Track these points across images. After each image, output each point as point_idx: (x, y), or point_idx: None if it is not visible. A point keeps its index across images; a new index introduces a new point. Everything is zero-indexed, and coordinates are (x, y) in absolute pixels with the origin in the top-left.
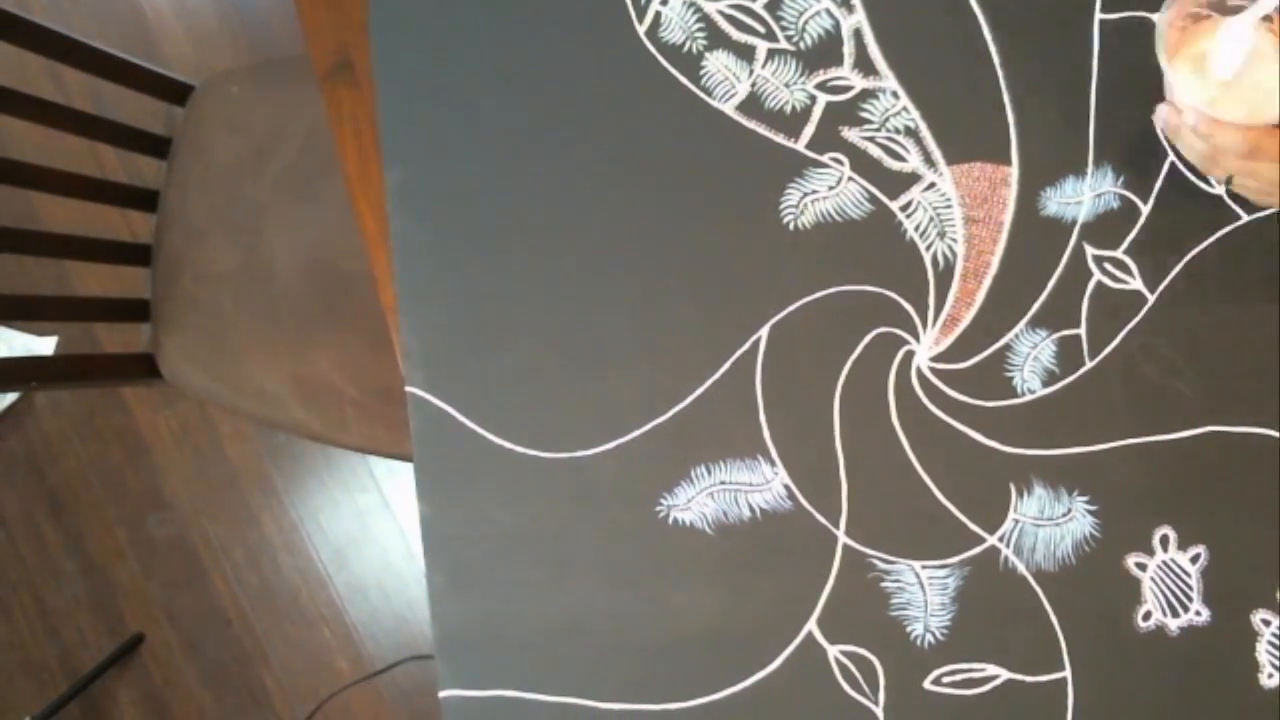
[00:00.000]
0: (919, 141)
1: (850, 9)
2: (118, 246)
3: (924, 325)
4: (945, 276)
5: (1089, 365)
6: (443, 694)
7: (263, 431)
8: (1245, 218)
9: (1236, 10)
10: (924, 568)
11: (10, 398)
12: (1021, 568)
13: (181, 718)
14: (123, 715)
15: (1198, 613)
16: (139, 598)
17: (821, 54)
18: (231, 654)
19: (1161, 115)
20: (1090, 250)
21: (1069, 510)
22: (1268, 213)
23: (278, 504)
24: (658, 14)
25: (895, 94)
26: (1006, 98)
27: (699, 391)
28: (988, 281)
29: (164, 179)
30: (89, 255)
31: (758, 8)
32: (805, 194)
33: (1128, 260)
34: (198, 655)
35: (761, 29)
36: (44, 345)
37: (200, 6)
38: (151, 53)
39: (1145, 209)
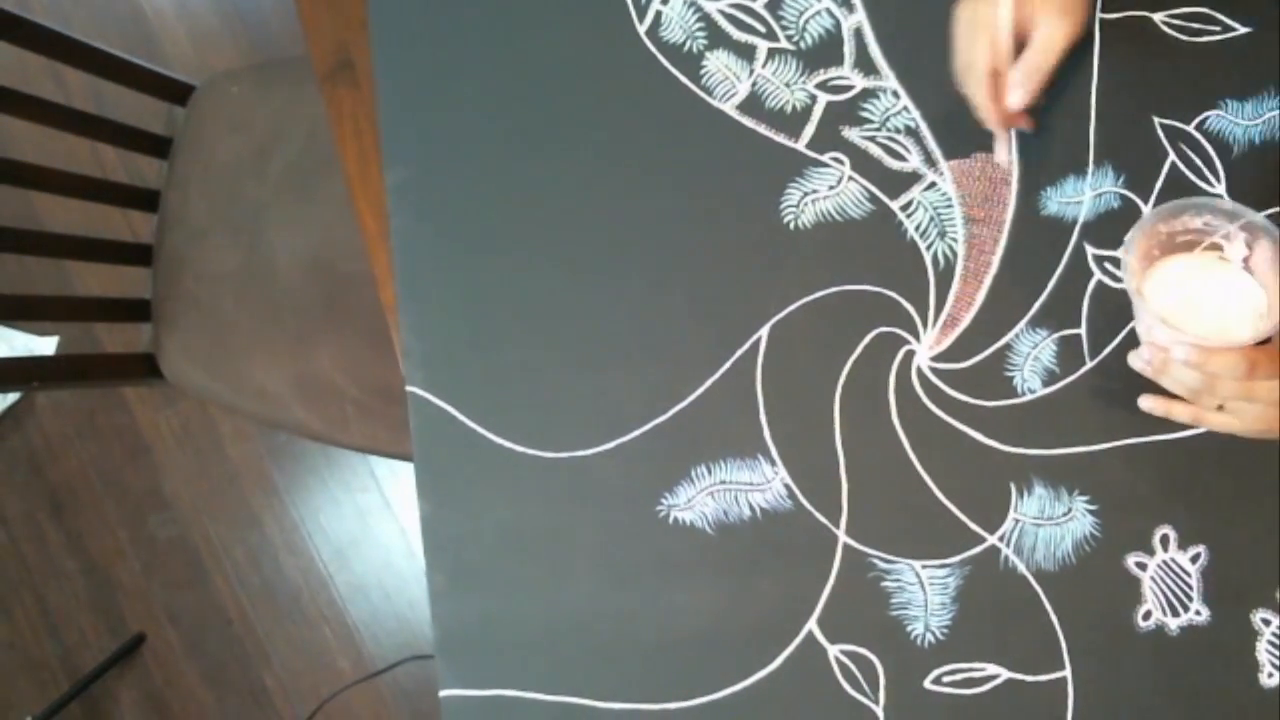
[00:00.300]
0: (919, 141)
1: (851, 8)
2: (119, 246)
3: (924, 325)
4: (946, 276)
5: (1089, 365)
6: (443, 693)
7: (263, 431)
8: (1245, 218)
9: (1186, 246)
10: (924, 567)
11: (11, 397)
12: (1022, 567)
13: (183, 717)
14: (124, 715)
15: (1198, 612)
16: (140, 597)
17: (822, 53)
18: (232, 654)
19: (1143, 356)
20: (1091, 250)
21: (1069, 510)
22: (1268, 211)
23: (279, 504)
24: (658, 13)
25: (896, 93)
26: None
27: (699, 391)
28: (988, 281)
29: (165, 179)
30: (90, 255)
31: (758, 7)
32: (806, 193)
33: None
34: (199, 655)
35: (762, 28)
36: (45, 345)
37: (201, 7)
38: (152, 53)
39: (1146, 208)
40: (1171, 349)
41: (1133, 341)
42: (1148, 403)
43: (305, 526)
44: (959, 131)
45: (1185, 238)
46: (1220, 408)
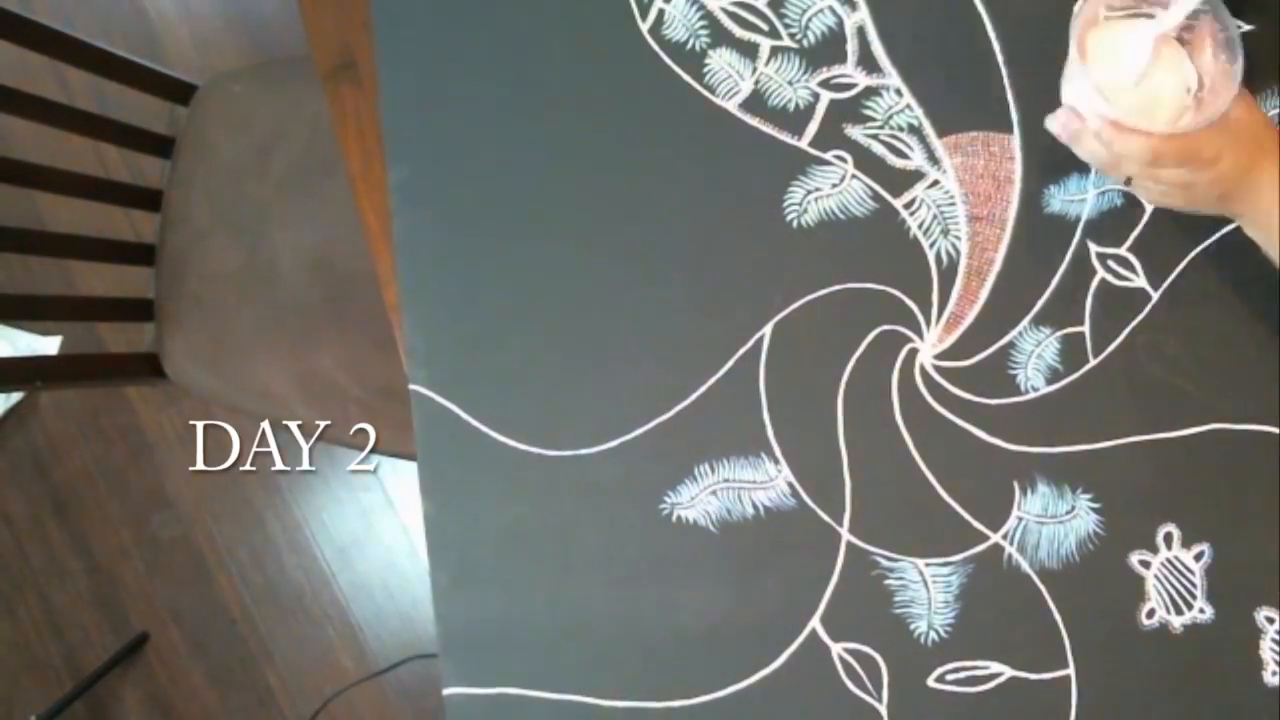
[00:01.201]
0: (922, 139)
1: (853, 6)
2: (121, 246)
3: (927, 323)
4: (949, 274)
5: (1093, 363)
6: (446, 691)
7: None
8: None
9: (1146, 16)
10: (927, 565)
11: (15, 397)
12: (1025, 565)
13: (186, 717)
14: (128, 714)
15: (1201, 610)
16: (143, 597)
17: (825, 51)
18: (236, 653)
19: (1061, 119)
20: (1094, 248)
21: (1073, 508)
22: None
23: (281, 503)
24: (661, 11)
25: (899, 91)
26: (1010, 95)
27: (702, 389)
28: (991, 279)
29: (167, 178)
30: (93, 255)
31: (761, 5)
32: (808, 191)
33: (1131, 258)
34: (202, 654)
35: (765, 26)
36: (48, 345)
37: (203, 6)
38: (155, 52)
39: (1149, 206)
40: (1087, 119)
41: (1135, 340)
42: (1054, 125)
43: (308, 526)
44: (963, 129)
45: (1141, 10)
46: (1126, 184)
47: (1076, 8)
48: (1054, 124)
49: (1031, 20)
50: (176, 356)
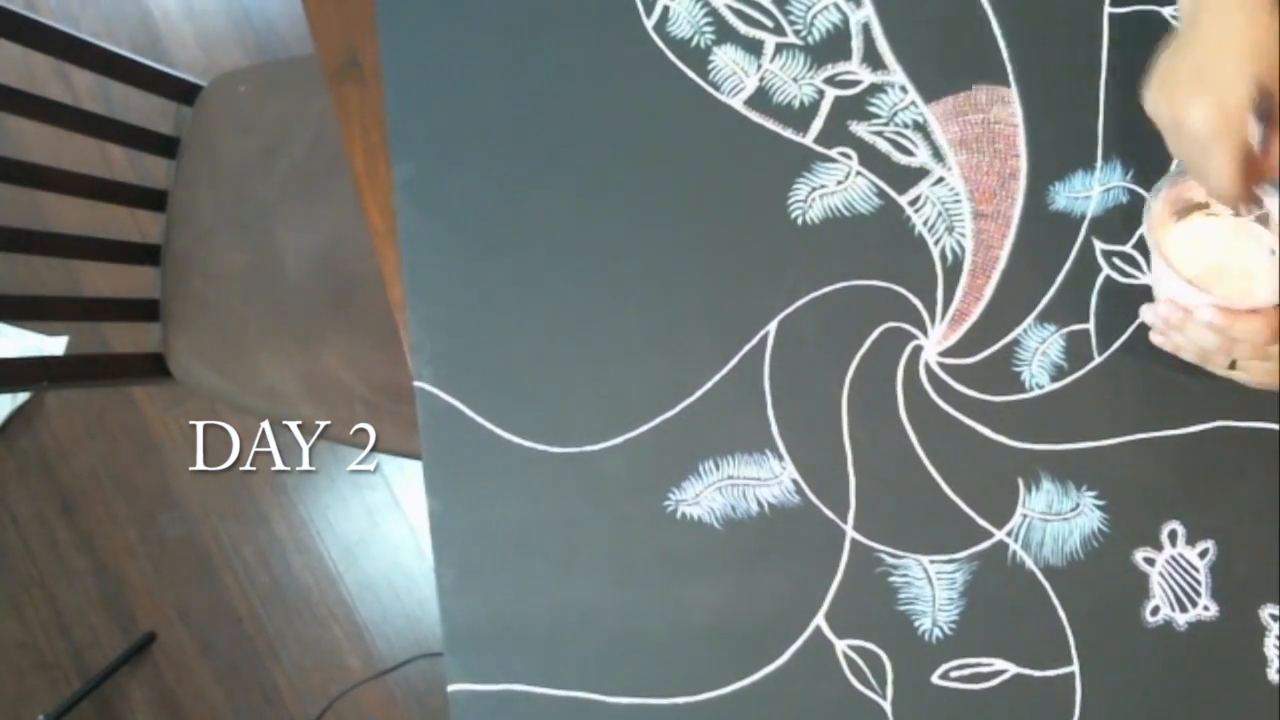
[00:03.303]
0: (927, 136)
1: (858, 3)
2: (127, 246)
3: (932, 320)
4: (954, 271)
5: (1098, 360)
6: (451, 688)
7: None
8: (1253, 213)
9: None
10: (932, 562)
11: (21, 397)
12: (1030, 562)
13: (193, 716)
14: (135, 713)
15: (1206, 608)
16: (150, 596)
17: (830, 48)
18: (242, 652)
19: (1159, 313)
20: (1099, 245)
21: (1077, 505)
22: None
23: (287, 502)
24: (665, 8)
25: (903, 88)
26: (1015, 92)
27: (707, 386)
28: (996, 276)
29: (172, 179)
30: (98, 255)
31: (766, 2)
32: (813, 188)
33: (1136, 255)
34: (209, 653)
35: (770, 23)
36: (54, 345)
37: (208, 6)
38: (159, 53)
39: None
40: (1196, 310)
41: (1139, 337)
42: (1159, 339)
43: (314, 525)
44: (967, 127)
45: (1202, 199)
46: (1230, 369)
47: (1146, 211)
48: (1150, 315)
49: (1038, 14)
50: (182, 356)
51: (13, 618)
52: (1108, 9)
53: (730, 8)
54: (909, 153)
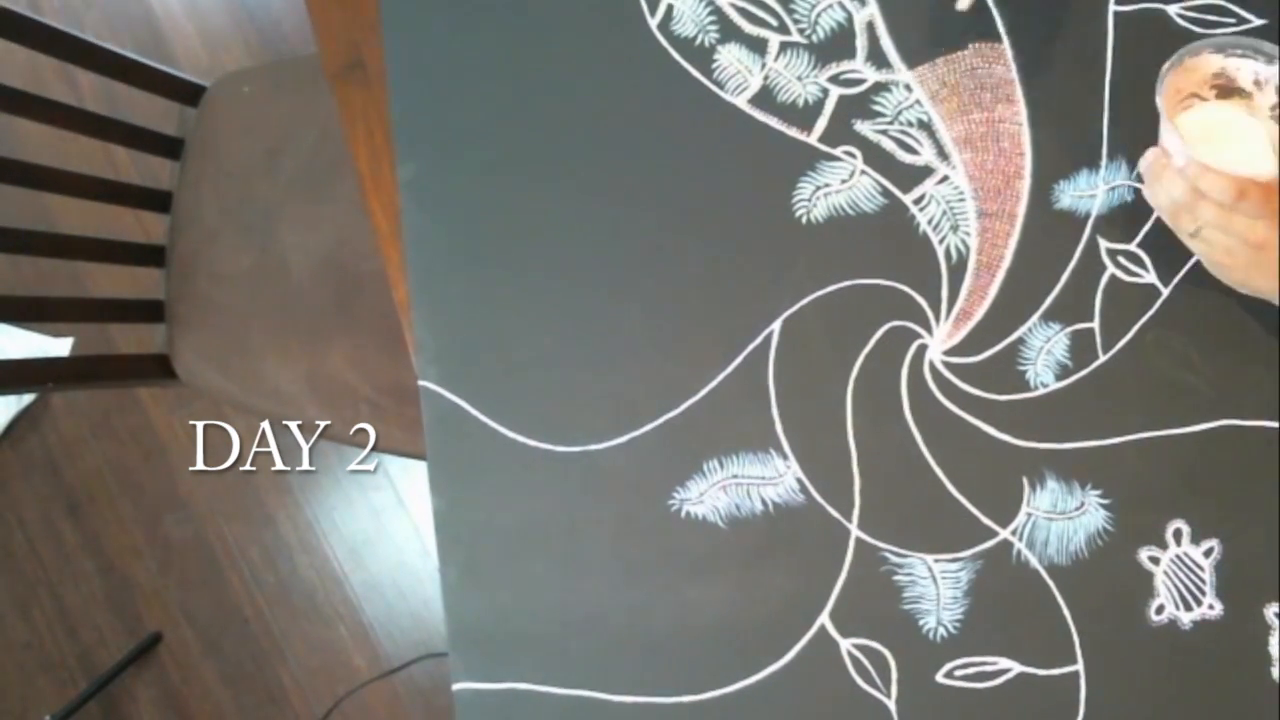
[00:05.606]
0: (932, 134)
1: (863, 2)
2: (131, 248)
3: (937, 319)
4: (958, 270)
5: (1102, 359)
6: (456, 687)
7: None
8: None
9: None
10: (936, 561)
11: (27, 399)
12: (1034, 561)
13: (200, 716)
14: (141, 714)
15: (1211, 606)
16: (156, 597)
17: (834, 47)
18: (249, 652)
19: (1148, 159)
20: (1104, 244)
21: (1082, 504)
22: None
23: (293, 503)
24: (670, 7)
25: (908, 87)
26: (1020, 90)
27: (711, 385)
28: (1001, 275)
29: (177, 180)
30: (103, 257)
31: (770, 0)
32: (818, 187)
33: (1141, 254)
34: (215, 654)
35: (774, 22)
36: (59, 346)
37: (212, 7)
38: (163, 54)
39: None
40: (1173, 156)
41: (1145, 335)
42: (1146, 191)
43: (320, 525)
44: (972, 126)
45: (1220, 80)
46: (1193, 235)
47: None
48: (1143, 162)
49: (1043, 13)
50: (187, 357)
51: (19, 618)
52: (1113, 7)
53: (734, 6)
54: (913, 151)
